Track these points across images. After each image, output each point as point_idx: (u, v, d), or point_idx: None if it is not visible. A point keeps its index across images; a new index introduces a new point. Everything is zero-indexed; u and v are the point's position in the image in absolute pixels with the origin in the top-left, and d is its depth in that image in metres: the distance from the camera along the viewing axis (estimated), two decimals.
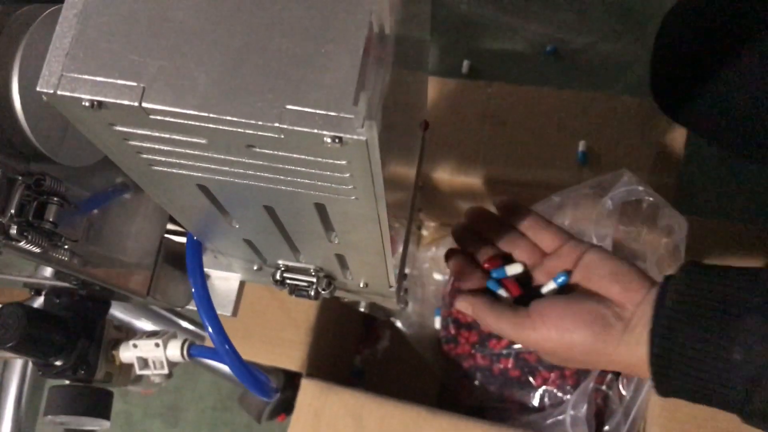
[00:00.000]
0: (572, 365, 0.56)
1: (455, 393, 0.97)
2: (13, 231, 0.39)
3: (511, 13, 1.29)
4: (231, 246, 0.49)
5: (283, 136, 0.28)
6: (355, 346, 1.09)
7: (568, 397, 0.86)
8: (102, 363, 0.55)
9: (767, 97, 0.69)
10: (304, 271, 0.50)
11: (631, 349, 0.49)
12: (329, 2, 0.29)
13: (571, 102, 0.94)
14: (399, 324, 1.01)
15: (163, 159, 0.33)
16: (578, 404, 0.82)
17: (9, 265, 0.50)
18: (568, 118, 0.93)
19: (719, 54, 0.71)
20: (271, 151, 0.30)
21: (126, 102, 0.28)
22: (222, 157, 0.32)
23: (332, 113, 0.27)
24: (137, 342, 0.56)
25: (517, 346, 0.91)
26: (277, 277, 0.50)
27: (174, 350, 0.56)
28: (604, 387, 0.85)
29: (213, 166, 0.33)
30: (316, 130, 0.27)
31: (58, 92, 0.28)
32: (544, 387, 0.89)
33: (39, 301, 0.56)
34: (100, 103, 0.28)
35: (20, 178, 0.40)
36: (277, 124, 0.28)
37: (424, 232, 1.07)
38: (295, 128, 0.28)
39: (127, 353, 0.56)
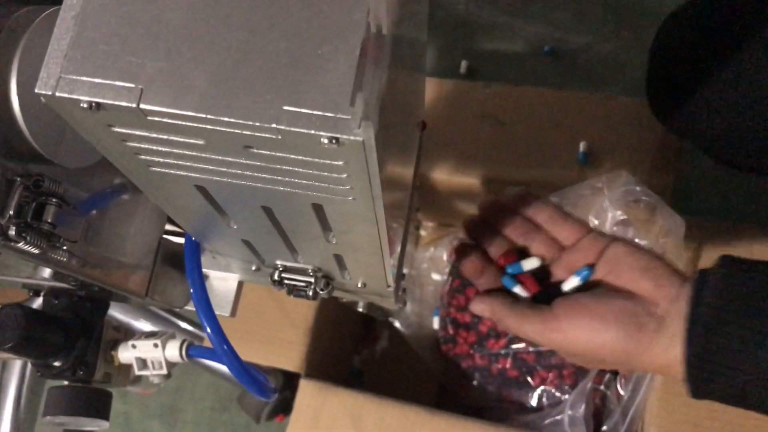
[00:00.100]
0: (600, 367, 0.54)
1: (454, 393, 0.97)
2: (12, 232, 0.39)
3: (509, 13, 1.30)
4: (229, 246, 0.49)
5: (280, 137, 0.28)
6: (354, 347, 1.09)
7: (566, 397, 0.86)
8: (101, 363, 0.55)
9: (763, 110, 0.69)
10: (302, 272, 0.50)
11: (664, 349, 0.47)
12: (326, 3, 0.29)
13: (568, 102, 0.94)
14: (397, 324, 1.01)
15: (161, 160, 0.33)
16: (576, 404, 0.82)
17: (8, 266, 0.50)
18: (566, 118, 0.93)
19: (716, 65, 0.71)
20: (269, 152, 0.30)
21: (124, 103, 0.28)
22: (220, 158, 0.32)
23: (329, 114, 0.28)
24: (136, 342, 0.56)
25: (515, 346, 0.91)
26: (275, 277, 0.50)
27: (173, 351, 0.56)
28: (602, 387, 0.86)
29: (211, 167, 0.33)
30: (313, 131, 0.28)
31: (57, 94, 0.28)
32: (542, 387, 0.89)
33: (38, 302, 0.56)
34: (98, 104, 0.28)
35: (19, 179, 0.40)
36: (274, 125, 0.28)
37: (423, 233, 1.07)
38: (293, 129, 0.28)
39: (125, 354, 0.56)
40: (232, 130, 0.28)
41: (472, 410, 0.93)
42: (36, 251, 0.41)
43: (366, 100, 0.28)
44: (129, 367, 0.57)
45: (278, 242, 0.44)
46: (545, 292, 0.53)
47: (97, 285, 0.51)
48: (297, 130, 0.28)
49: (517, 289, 0.53)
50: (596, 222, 0.80)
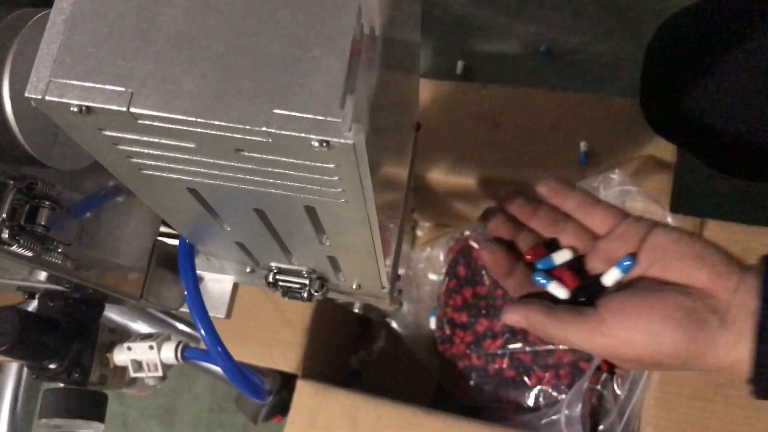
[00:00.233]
0: (655, 369, 0.48)
1: (451, 393, 0.97)
2: (5, 235, 0.39)
3: (506, 13, 1.30)
4: (223, 249, 0.49)
5: (271, 140, 0.28)
6: (351, 347, 1.09)
7: (563, 396, 0.87)
8: (96, 366, 0.55)
9: (756, 119, 0.69)
10: (297, 273, 0.50)
11: (730, 348, 0.42)
12: (316, 6, 0.29)
13: (565, 102, 0.94)
14: (394, 324, 1.01)
15: (153, 163, 0.33)
16: (573, 404, 0.83)
17: (2, 268, 0.50)
18: (562, 118, 0.93)
19: (711, 69, 0.71)
20: (260, 155, 0.30)
21: (114, 107, 0.28)
22: (211, 161, 0.32)
23: (319, 117, 0.28)
24: (131, 344, 0.56)
25: (512, 346, 0.91)
26: (270, 279, 0.51)
27: (168, 353, 0.56)
28: (598, 386, 0.86)
29: (202, 170, 0.33)
30: (303, 134, 0.28)
31: (46, 98, 0.28)
32: (539, 387, 0.89)
33: (33, 305, 0.56)
34: (88, 108, 0.28)
35: (12, 182, 0.40)
36: (264, 128, 0.28)
37: (419, 233, 1.07)
38: (283, 132, 0.28)
39: (121, 356, 0.56)
40: (222, 134, 0.28)
41: (469, 410, 0.93)
42: (29, 254, 0.41)
43: (356, 102, 0.28)
44: (124, 369, 0.57)
45: (272, 244, 0.44)
46: (582, 287, 0.48)
47: (92, 287, 0.51)
48: (287, 133, 0.28)
49: (553, 287, 0.48)
50: None
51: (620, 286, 0.47)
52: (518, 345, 0.91)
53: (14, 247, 0.40)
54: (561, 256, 0.48)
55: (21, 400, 0.75)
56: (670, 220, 0.78)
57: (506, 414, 0.91)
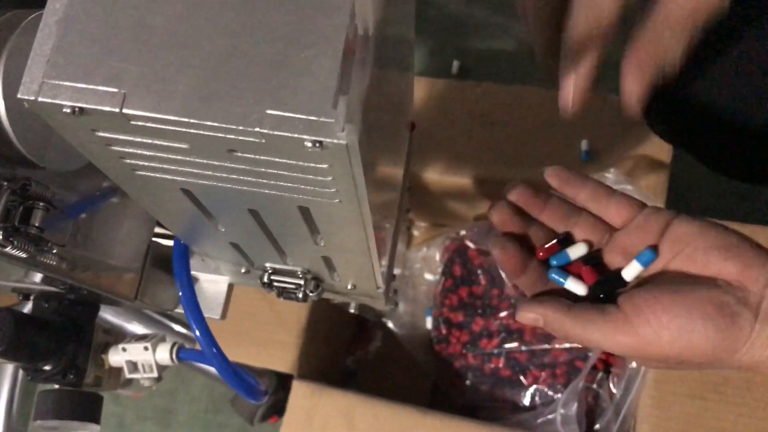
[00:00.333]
0: (680, 368, 0.46)
1: (447, 393, 0.97)
2: None
3: (501, 12, 1.30)
4: (217, 249, 0.49)
5: (264, 141, 0.28)
6: (347, 347, 1.09)
7: (559, 395, 0.87)
8: (91, 367, 0.55)
9: (756, 120, 0.69)
10: (292, 274, 0.50)
11: (764, 343, 0.40)
12: (308, 7, 0.29)
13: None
14: (390, 324, 1.01)
15: (146, 164, 0.33)
16: (569, 403, 0.83)
17: None
18: (557, 117, 0.93)
19: (708, 74, 0.71)
20: (253, 156, 0.30)
21: (107, 108, 0.28)
22: (204, 161, 0.32)
23: (312, 117, 0.28)
24: (126, 345, 0.56)
25: (508, 346, 0.91)
26: (265, 279, 0.50)
27: (163, 353, 0.56)
28: (594, 385, 0.86)
29: (196, 171, 0.33)
30: (296, 135, 0.28)
31: (39, 99, 0.28)
32: (534, 386, 0.89)
33: (28, 306, 0.56)
34: (81, 109, 0.28)
35: (5, 183, 0.39)
36: (257, 129, 0.28)
37: (415, 233, 1.08)
38: (276, 133, 0.28)
39: (116, 357, 0.56)
40: (215, 134, 0.28)
41: (465, 410, 0.93)
42: (23, 255, 0.41)
43: (349, 103, 0.28)
44: (119, 370, 0.57)
45: (266, 245, 0.44)
46: (600, 283, 0.45)
47: (87, 288, 0.51)
48: (280, 133, 0.28)
49: (570, 284, 0.45)
50: None
51: (640, 281, 0.45)
52: (514, 344, 0.91)
53: (8, 249, 0.40)
54: (576, 251, 0.46)
55: (17, 401, 0.75)
56: None
57: (502, 413, 0.91)
